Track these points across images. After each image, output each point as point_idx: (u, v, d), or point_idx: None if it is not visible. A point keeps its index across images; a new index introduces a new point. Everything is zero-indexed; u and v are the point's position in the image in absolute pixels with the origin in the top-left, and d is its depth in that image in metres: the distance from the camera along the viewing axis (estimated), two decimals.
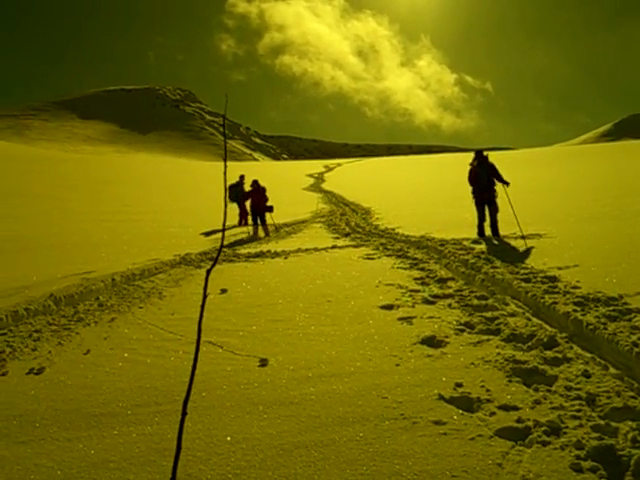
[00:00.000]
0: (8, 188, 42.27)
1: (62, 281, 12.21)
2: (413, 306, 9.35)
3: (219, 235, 21.13)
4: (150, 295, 11.20)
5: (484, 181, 16.51)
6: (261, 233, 22.81)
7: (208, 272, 4.51)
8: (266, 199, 24.09)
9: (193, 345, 7.69)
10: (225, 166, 4.43)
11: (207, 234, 21.53)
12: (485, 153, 16.96)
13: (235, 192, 25.38)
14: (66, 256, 16.36)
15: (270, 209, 23.93)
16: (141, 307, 10.30)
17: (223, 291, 11.11)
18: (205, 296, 4.37)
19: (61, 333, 8.79)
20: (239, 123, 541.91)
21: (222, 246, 4.35)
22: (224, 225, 4.31)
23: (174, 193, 47.96)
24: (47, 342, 8.38)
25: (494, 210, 16.37)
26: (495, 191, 16.51)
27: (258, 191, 24.11)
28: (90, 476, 4.68)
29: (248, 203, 24.83)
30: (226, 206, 4.48)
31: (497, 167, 16.70)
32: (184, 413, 4.43)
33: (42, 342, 8.38)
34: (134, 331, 8.73)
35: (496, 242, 15.19)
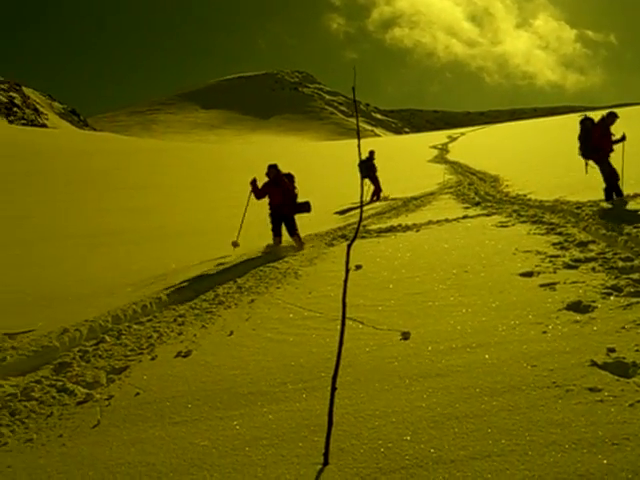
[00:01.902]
0: (139, 181, 43.93)
1: (199, 267, 12.56)
2: (554, 272, 9.03)
3: (349, 213, 21.16)
4: (286, 275, 11.31)
5: (581, 145, 16.04)
6: (284, 249, 14.59)
7: (349, 247, 4.49)
8: (294, 193, 15.32)
9: (333, 322, 7.73)
10: (359, 141, 4.38)
11: (337, 212, 21.60)
12: (588, 115, 16.56)
13: (365, 168, 24.92)
14: (200, 243, 16.86)
15: (304, 207, 15.41)
16: (278, 287, 10.42)
17: (358, 267, 11.08)
18: (347, 270, 4.35)
19: (204, 316, 9.03)
20: (359, 100, 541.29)
21: (361, 220, 4.30)
22: (362, 200, 4.27)
23: (300, 175, 48.47)
24: (191, 326, 8.62)
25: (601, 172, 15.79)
26: (600, 153, 15.78)
27: (278, 182, 15.07)
28: (245, 453, 4.75)
29: (266, 200, 15.46)
30: (362, 182, 4.44)
31: (597, 130, 15.93)
32: (334, 388, 4.44)
33: (187, 326, 8.63)
34: (274, 311, 8.85)
35: (636, 203, 14.46)
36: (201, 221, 22.78)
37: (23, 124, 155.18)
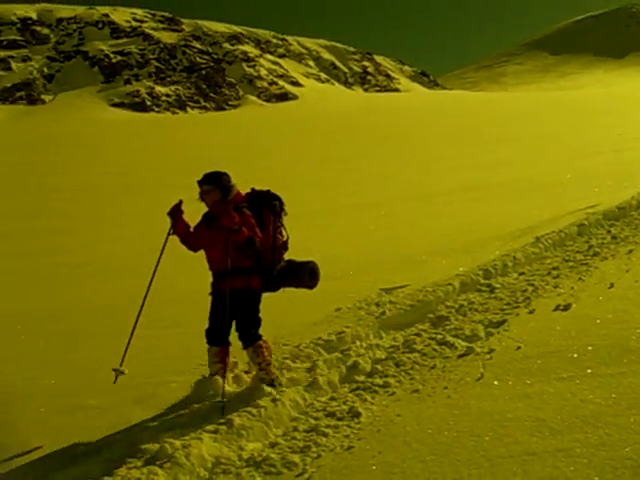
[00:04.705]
0: (493, 134, 43.69)
1: (567, 218, 12.09)
2: None
3: None
4: None
5: None
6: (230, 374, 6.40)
7: None
8: (261, 246, 6.13)
9: None
10: None
11: None
12: None
13: None
14: (565, 193, 16.29)
15: (295, 278, 6.57)
16: None
17: None
18: None
19: (579, 269, 8.67)
20: None
21: None
22: None
23: None
24: (567, 278, 8.32)
25: None
26: None
27: (219, 219, 5.99)
28: None
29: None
30: None
31: None
32: None
33: (562, 279, 8.33)
34: None
35: None
36: (562, 172, 21.96)
37: (377, 90, 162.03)
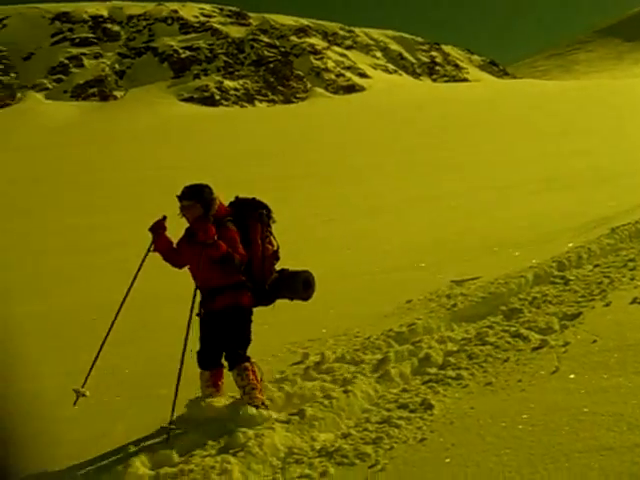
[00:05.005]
0: (574, 123, 42.87)
1: None
2: None
3: None
4: None
5: None
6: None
7: None
8: (244, 260, 5.79)
9: None
10: None
11: None
12: None
13: None
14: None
15: (287, 289, 6.19)
16: None
17: None
18: None
19: None
20: None
21: None
22: None
23: None
24: (639, 271, 8.11)
25: None
26: None
27: (195, 234, 5.75)
28: None
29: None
30: None
31: None
32: None
33: (638, 271, 8.14)
34: None
35: None
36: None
37: (446, 81, 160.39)
